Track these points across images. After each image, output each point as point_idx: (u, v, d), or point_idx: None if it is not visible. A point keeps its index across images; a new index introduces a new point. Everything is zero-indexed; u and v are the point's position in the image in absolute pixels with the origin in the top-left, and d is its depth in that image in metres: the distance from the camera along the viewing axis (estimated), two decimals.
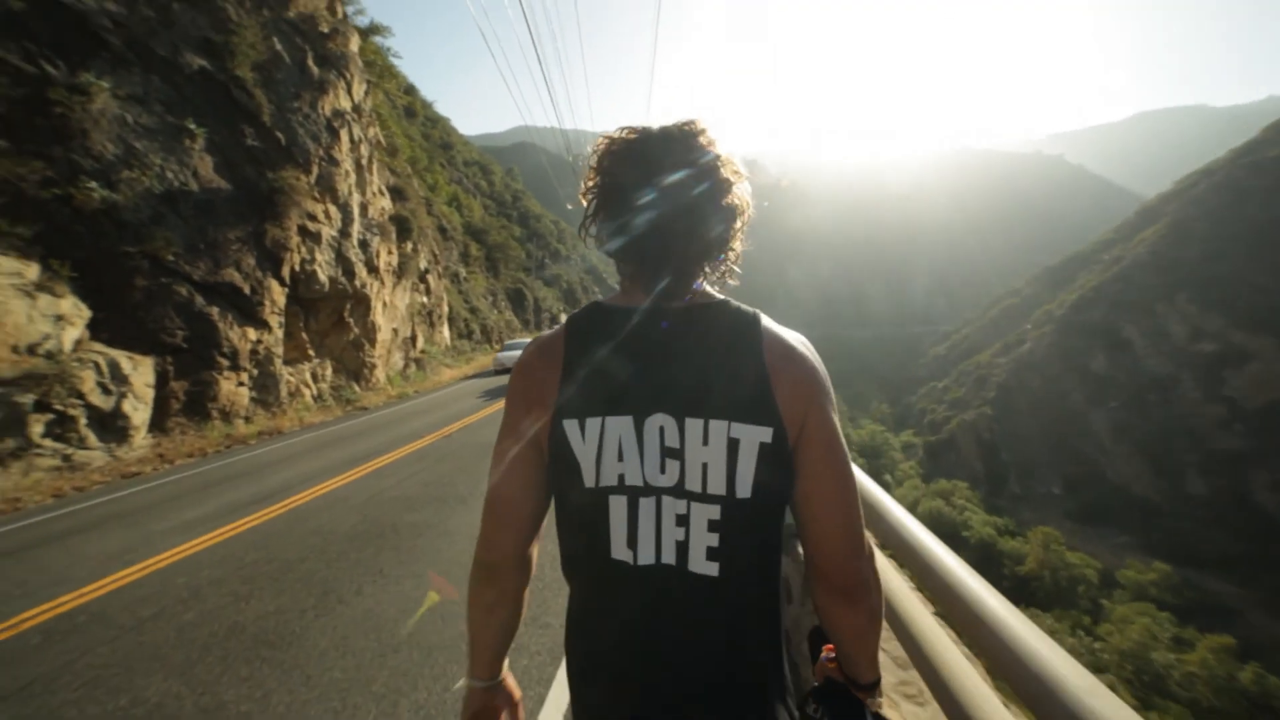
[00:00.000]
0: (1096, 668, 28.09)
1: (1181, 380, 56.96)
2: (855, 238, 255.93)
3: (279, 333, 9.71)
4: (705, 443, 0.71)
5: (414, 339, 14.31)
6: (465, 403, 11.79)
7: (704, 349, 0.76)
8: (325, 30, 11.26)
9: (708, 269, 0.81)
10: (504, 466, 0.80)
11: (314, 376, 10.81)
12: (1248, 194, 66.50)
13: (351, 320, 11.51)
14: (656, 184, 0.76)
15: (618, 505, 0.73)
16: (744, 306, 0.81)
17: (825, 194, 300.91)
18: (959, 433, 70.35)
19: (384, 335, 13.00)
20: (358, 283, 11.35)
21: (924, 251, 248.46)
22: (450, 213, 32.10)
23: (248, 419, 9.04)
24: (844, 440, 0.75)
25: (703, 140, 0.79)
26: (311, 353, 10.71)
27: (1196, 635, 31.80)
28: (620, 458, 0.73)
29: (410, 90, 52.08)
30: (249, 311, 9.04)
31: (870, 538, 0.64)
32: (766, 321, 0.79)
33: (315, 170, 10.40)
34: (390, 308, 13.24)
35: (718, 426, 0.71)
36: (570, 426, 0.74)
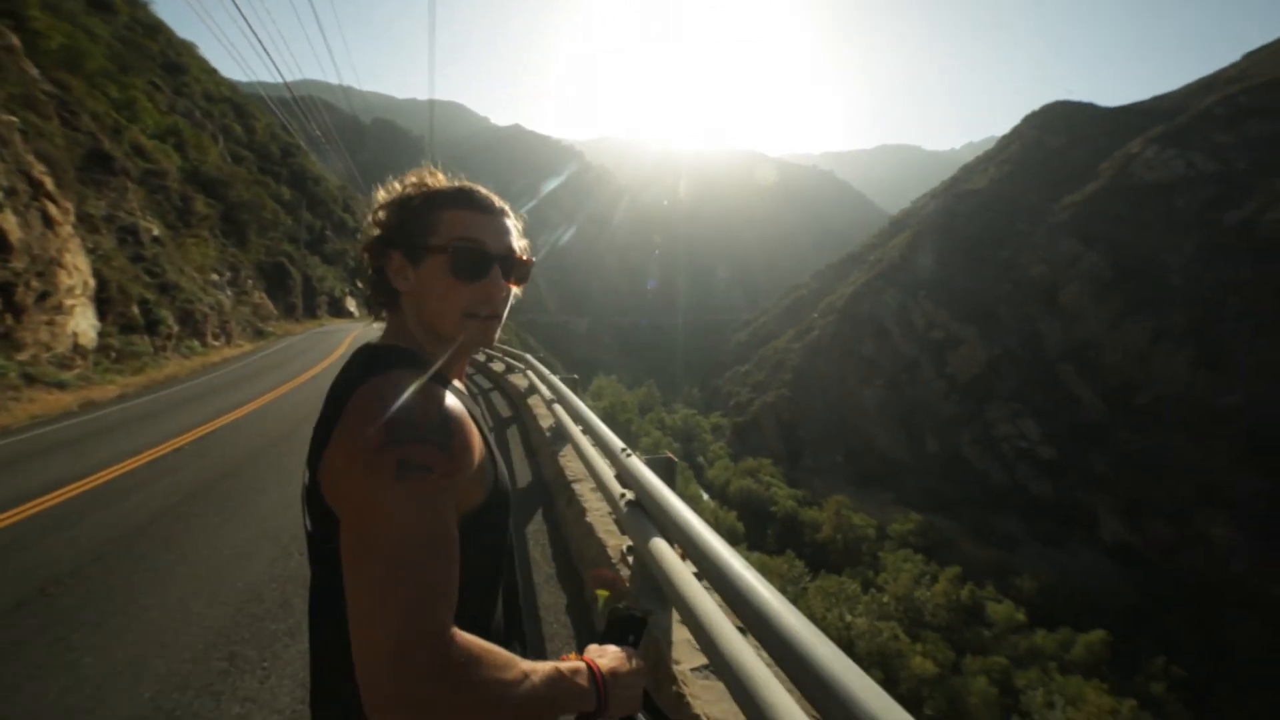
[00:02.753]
0: (884, 616, 32.24)
1: (921, 362, 69.80)
2: (665, 230, 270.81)
3: None
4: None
5: None
6: None
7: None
8: None
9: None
10: None
11: None
12: (957, 216, 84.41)
13: None
14: None
15: None
16: (379, 353, 0.79)
17: (637, 186, 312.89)
18: (761, 414, 77.36)
19: None
20: None
21: (724, 245, 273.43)
22: (163, 151, 22.97)
23: None
24: (396, 516, 0.61)
25: None
26: None
27: (938, 569, 38.61)
28: None
29: None
30: None
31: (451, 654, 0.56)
32: (377, 377, 0.71)
33: None
34: None
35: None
36: None
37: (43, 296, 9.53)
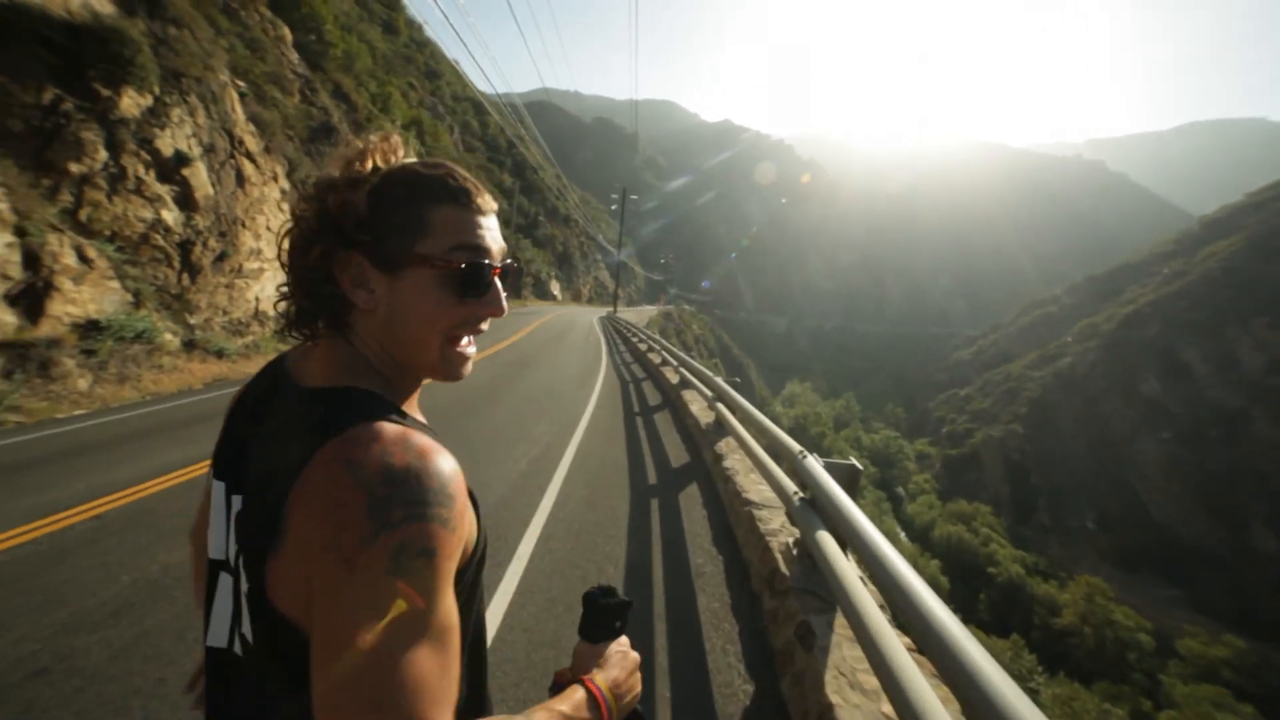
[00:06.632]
0: None
1: (1253, 415, 49.95)
2: (878, 230, 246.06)
3: None
4: (226, 511, 0.63)
5: (41, 293, 5.96)
6: None
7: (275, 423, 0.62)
8: None
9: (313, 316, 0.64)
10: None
11: None
12: None
13: None
14: None
15: (212, 584, 0.64)
16: (356, 402, 0.58)
17: (849, 183, 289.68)
18: (984, 449, 63.79)
19: None
20: None
21: (948, 250, 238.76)
22: (404, 137, 25.82)
23: None
24: (387, 620, 0.46)
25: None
26: None
27: None
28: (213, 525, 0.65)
29: (394, 4, 45.31)
30: None
31: None
32: (352, 429, 0.54)
33: None
34: None
35: (233, 498, 0.62)
36: (213, 484, 0.66)
37: (220, 258, 8.93)
